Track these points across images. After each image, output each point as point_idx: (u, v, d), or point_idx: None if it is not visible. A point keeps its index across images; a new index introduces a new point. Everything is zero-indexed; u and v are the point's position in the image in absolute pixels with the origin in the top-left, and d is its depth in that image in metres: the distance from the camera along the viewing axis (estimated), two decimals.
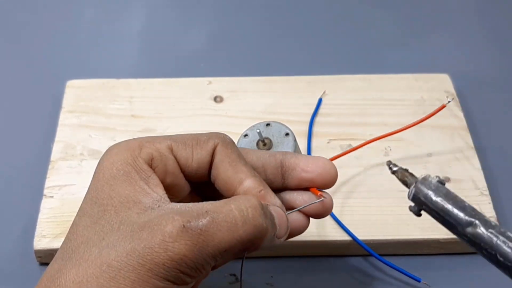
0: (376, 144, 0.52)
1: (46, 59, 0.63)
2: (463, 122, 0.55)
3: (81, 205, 0.34)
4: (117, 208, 0.32)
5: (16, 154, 0.55)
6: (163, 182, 0.34)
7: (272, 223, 0.34)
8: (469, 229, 0.32)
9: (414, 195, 0.34)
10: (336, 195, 0.50)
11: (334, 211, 0.48)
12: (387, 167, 0.37)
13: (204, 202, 0.32)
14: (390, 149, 0.53)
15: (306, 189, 0.38)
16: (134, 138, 0.35)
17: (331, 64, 0.63)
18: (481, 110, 0.58)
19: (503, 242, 0.31)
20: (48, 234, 0.47)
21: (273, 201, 0.35)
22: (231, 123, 0.54)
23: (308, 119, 0.54)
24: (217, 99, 0.56)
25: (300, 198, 0.37)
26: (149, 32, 0.66)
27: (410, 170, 0.36)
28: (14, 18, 0.67)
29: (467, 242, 0.33)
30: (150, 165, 0.34)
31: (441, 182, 0.33)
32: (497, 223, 0.33)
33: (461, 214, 0.32)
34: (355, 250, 0.48)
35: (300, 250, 0.48)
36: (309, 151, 0.52)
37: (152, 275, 0.30)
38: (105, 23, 0.67)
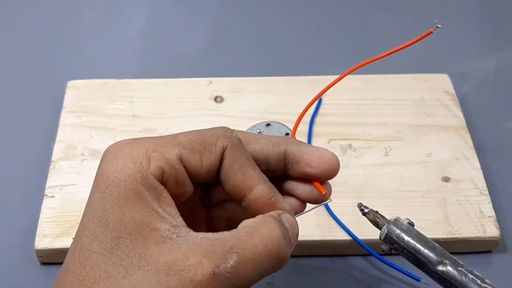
0: (376, 144, 0.52)
1: (47, 60, 0.63)
2: (463, 122, 0.55)
3: (86, 223, 0.31)
4: (133, 237, 0.30)
5: (17, 154, 0.55)
6: (172, 194, 0.32)
7: (289, 240, 0.33)
8: (440, 267, 0.35)
9: (386, 235, 0.36)
10: (336, 195, 0.49)
11: (334, 211, 0.48)
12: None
13: (226, 234, 0.31)
14: (390, 149, 0.53)
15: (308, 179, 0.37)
16: (137, 142, 0.33)
17: (331, 64, 0.63)
18: (481, 110, 0.59)
19: (472, 280, 0.34)
20: (49, 234, 0.47)
21: (283, 206, 0.35)
22: (231, 123, 0.53)
23: (308, 119, 0.54)
24: (217, 99, 0.57)
25: (301, 189, 0.37)
26: (150, 32, 0.66)
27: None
28: (14, 19, 0.67)
29: (438, 280, 0.35)
30: (161, 180, 0.32)
31: (411, 224, 0.37)
32: (464, 263, 0.36)
33: (431, 254, 0.35)
34: (355, 250, 0.48)
35: (300, 250, 0.48)
36: None
37: None
38: (105, 23, 0.67)
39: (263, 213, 0.34)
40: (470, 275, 0.34)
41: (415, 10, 0.69)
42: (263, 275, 0.31)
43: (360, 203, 0.37)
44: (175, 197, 0.32)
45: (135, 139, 0.33)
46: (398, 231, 0.36)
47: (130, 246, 0.30)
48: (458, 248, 0.48)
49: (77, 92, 0.57)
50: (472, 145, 0.53)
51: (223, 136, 0.34)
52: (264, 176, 0.34)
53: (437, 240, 0.47)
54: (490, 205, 0.49)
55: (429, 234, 0.47)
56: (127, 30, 0.67)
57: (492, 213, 0.49)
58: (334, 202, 0.48)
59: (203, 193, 0.38)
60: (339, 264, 0.48)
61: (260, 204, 0.34)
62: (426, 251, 0.36)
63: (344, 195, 0.50)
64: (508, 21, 0.69)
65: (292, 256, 0.48)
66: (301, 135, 0.52)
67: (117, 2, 0.70)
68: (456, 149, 0.53)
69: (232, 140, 0.34)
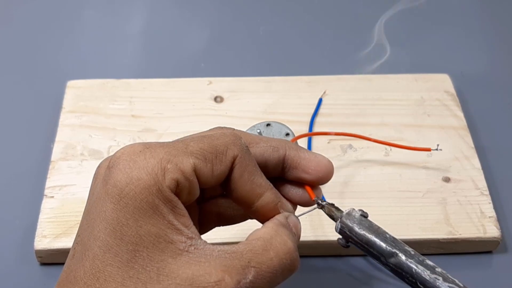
0: (376, 144, 0.52)
1: (47, 60, 0.63)
2: (463, 122, 0.55)
3: (97, 233, 0.31)
4: (150, 250, 0.30)
5: (17, 154, 0.55)
6: (185, 203, 0.32)
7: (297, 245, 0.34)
8: (392, 259, 0.34)
9: (340, 229, 0.36)
10: (336, 195, 0.50)
11: None
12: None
13: (242, 247, 0.32)
14: (390, 149, 0.53)
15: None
16: (149, 151, 0.32)
17: (331, 64, 0.63)
18: (481, 110, 0.58)
19: (422, 270, 0.34)
20: (48, 234, 0.47)
21: (288, 209, 0.36)
22: (231, 123, 0.53)
23: (308, 119, 0.54)
24: (217, 99, 0.56)
25: (293, 192, 0.37)
26: (150, 32, 0.66)
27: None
28: (14, 19, 0.67)
29: (392, 271, 0.35)
30: (175, 192, 0.31)
31: (364, 216, 0.36)
32: (416, 252, 0.35)
33: (383, 245, 0.35)
34: (355, 250, 0.47)
35: (300, 250, 0.48)
36: None
37: None
38: (105, 23, 0.67)
39: (270, 217, 0.35)
40: (420, 266, 0.34)
41: (415, 10, 0.69)
42: (276, 285, 0.32)
43: (316, 197, 0.37)
44: (184, 203, 0.32)
45: (146, 147, 0.32)
46: (351, 224, 0.36)
47: (148, 260, 0.30)
48: (458, 248, 0.48)
49: (77, 92, 0.57)
50: (472, 145, 0.53)
51: (233, 145, 0.34)
52: (269, 182, 0.35)
53: (437, 241, 0.47)
54: (491, 205, 0.49)
55: (429, 234, 0.47)
56: (127, 30, 0.67)
57: (493, 213, 0.48)
58: (334, 202, 0.49)
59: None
60: (339, 264, 0.48)
61: (268, 209, 0.35)
62: (378, 242, 0.35)
63: (344, 195, 0.49)
64: (508, 21, 0.69)
65: None
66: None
67: (117, 2, 0.69)
68: (457, 149, 0.53)
69: (242, 148, 0.34)
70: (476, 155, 0.52)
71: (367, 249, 0.35)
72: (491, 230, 0.47)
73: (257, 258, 0.31)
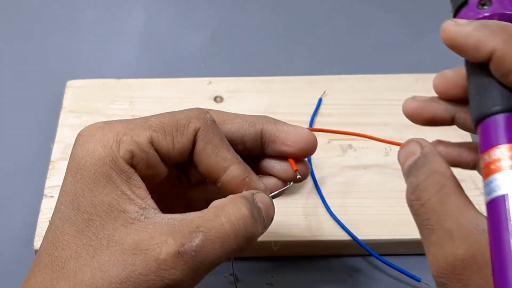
0: (376, 144, 0.52)
1: (46, 59, 0.63)
2: None
3: (59, 206, 0.32)
4: (103, 219, 0.31)
5: (17, 154, 0.55)
6: (143, 177, 0.33)
7: (261, 220, 0.33)
8: None
9: None
10: (336, 195, 0.50)
11: (334, 211, 0.48)
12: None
13: (193, 214, 0.32)
14: (390, 149, 0.53)
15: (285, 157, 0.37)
16: (108, 126, 0.33)
17: (331, 64, 0.63)
18: None
19: None
20: None
21: (258, 186, 0.35)
22: None
23: (308, 119, 0.54)
24: (217, 99, 0.56)
25: (278, 167, 0.37)
26: (149, 32, 0.66)
27: (336, 205, 0.36)
28: (14, 19, 0.67)
29: None
30: (131, 164, 0.32)
31: None
32: None
33: None
34: (355, 250, 0.48)
35: (300, 250, 0.48)
36: None
37: None
38: (105, 23, 0.67)
39: (237, 193, 0.34)
40: None
41: (416, 10, 0.69)
42: (231, 253, 0.32)
43: (297, 171, 0.36)
44: (147, 179, 0.33)
45: (106, 123, 0.33)
46: None
47: (100, 228, 0.31)
48: None
49: (77, 92, 0.57)
50: None
51: (196, 118, 0.34)
52: (238, 157, 0.35)
53: None
54: None
55: None
56: (126, 30, 0.67)
57: None
58: (334, 202, 0.49)
59: (182, 174, 0.38)
60: (339, 264, 0.48)
61: (234, 184, 0.34)
62: None
63: (344, 195, 0.49)
64: None
65: (292, 256, 0.48)
66: None
67: (116, 2, 0.69)
68: None
69: (205, 121, 0.34)
70: None
71: None
72: None
73: (206, 223, 0.31)
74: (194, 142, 0.34)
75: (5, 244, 0.49)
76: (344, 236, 0.47)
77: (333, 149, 0.53)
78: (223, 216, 0.31)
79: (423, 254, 0.48)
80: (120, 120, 0.34)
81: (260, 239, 0.47)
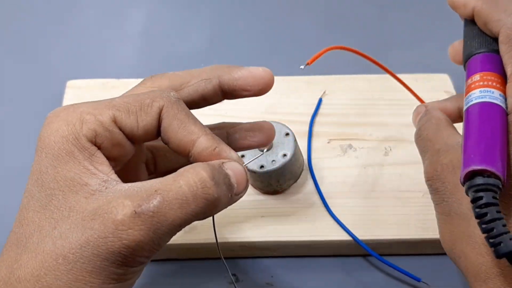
0: (376, 144, 0.52)
1: (46, 59, 0.63)
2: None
3: (27, 186, 0.33)
4: (65, 193, 0.32)
5: (16, 155, 0.55)
6: (109, 155, 0.33)
7: (228, 186, 0.33)
8: None
9: None
10: (336, 195, 0.50)
11: (334, 211, 0.48)
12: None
13: (153, 180, 0.32)
14: (390, 149, 0.53)
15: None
16: (73, 106, 0.34)
17: (331, 64, 0.63)
18: None
19: None
20: None
21: (229, 155, 0.35)
22: None
23: (308, 119, 0.54)
24: None
25: (251, 138, 0.39)
26: (149, 32, 0.66)
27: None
28: (14, 19, 0.67)
29: None
30: (94, 142, 0.33)
31: None
32: None
33: None
34: (355, 250, 0.48)
35: (300, 250, 0.48)
36: (309, 151, 0.52)
37: (109, 263, 0.30)
38: (105, 23, 0.67)
39: None
40: None
41: (416, 10, 0.69)
42: (192, 215, 0.32)
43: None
44: (114, 158, 0.34)
45: (72, 104, 0.34)
46: None
47: (62, 201, 0.31)
48: None
49: (77, 92, 0.57)
50: None
51: (159, 97, 0.35)
52: (206, 129, 0.35)
53: (437, 240, 0.47)
54: None
55: (430, 235, 0.47)
56: (127, 30, 0.67)
57: None
58: (334, 202, 0.49)
59: (151, 163, 0.39)
60: (339, 264, 0.48)
61: (205, 156, 0.35)
62: None
63: (344, 195, 0.49)
64: None
65: (292, 256, 0.48)
66: (301, 135, 0.52)
67: (117, 2, 0.69)
68: None
69: (169, 99, 0.35)
70: None
71: None
72: None
73: (164, 187, 0.31)
74: (159, 121, 0.35)
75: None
76: (344, 236, 0.47)
77: (333, 149, 0.53)
78: (181, 180, 0.32)
79: (423, 254, 0.49)
80: (85, 102, 0.35)
81: (260, 239, 0.47)
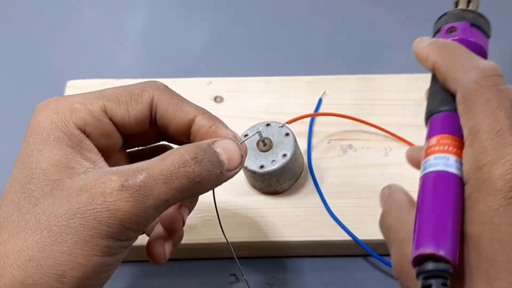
0: (376, 144, 0.52)
1: (46, 59, 0.63)
2: None
3: (12, 171, 0.33)
4: (46, 171, 0.32)
5: (16, 155, 0.54)
6: (97, 146, 0.34)
7: (214, 163, 0.34)
8: None
9: None
10: (336, 195, 0.50)
11: (334, 211, 0.48)
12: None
13: (139, 162, 0.33)
14: (390, 149, 0.53)
15: None
16: (64, 97, 0.34)
17: (331, 64, 0.63)
18: None
19: None
20: None
21: (225, 134, 0.36)
22: (231, 123, 0.54)
23: (308, 119, 0.54)
24: (217, 99, 0.56)
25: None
26: (149, 32, 0.66)
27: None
28: (14, 19, 0.67)
29: None
30: (84, 131, 0.33)
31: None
32: None
33: None
34: (355, 250, 0.48)
35: (300, 250, 0.48)
36: (309, 151, 0.52)
37: (95, 233, 0.30)
38: (105, 23, 0.67)
39: None
40: None
41: (416, 10, 0.69)
42: (177, 191, 0.32)
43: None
44: (102, 149, 0.34)
45: (63, 96, 0.35)
46: None
47: (43, 179, 0.32)
48: None
49: (77, 92, 0.56)
50: None
51: (149, 87, 0.36)
52: (202, 108, 0.36)
53: None
54: None
55: None
56: (127, 30, 0.67)
57: None
58: (334, 202, 0.49)
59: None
60: (339, 264, 0.48)
61: (203, 134, 0.35)
62: None
63: (344, 195, 0.49)
64: (508, 21, 0.69)
65: (292, 256, 0.48)
66: (301, 135, 0.52)
67: (117, 2, 0.69)
68: None
69: (158, 88, 0.36)
70: None
71: None
72: None
73: (150, 165, 0.32)
74: (151, 110, 0.35)
75: None
76: (344, 236, 0.47)
77: (333, 149, 0.53)
78: (167, 159, 0.32)
79: None
80: (75, 94, 0.35)
81: (260, 239, 0.47)
